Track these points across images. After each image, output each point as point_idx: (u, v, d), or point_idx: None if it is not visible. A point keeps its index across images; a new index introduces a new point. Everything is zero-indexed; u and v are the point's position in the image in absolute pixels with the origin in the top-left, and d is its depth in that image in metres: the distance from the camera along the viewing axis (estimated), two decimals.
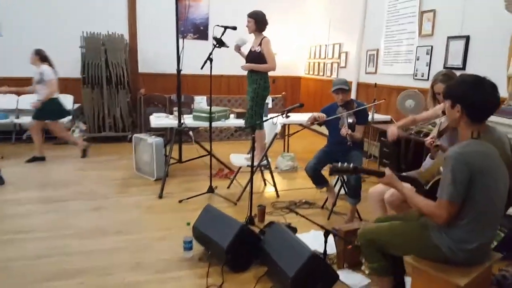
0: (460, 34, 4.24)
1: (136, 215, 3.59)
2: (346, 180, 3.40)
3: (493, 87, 1.71)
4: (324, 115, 3.49)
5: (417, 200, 1.84)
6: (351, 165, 1.97)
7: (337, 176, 3.80)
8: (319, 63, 7.73)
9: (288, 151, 5.52)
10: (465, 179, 1.64)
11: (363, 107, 3.42)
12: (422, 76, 4.87)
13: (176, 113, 4.50)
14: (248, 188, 3.60)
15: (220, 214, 2.91)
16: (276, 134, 4.08)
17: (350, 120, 3.34)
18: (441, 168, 1.87)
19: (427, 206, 1.78)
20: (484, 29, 3.95)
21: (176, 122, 4.32)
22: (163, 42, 6.77)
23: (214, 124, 4.43)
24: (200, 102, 6.98)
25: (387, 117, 5.49)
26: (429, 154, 2.51)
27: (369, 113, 4.01)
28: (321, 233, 2.61)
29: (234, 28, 3.82)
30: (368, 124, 3.64)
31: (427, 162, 2.82)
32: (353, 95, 6.35)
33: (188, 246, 2.85)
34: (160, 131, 5.42)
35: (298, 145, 6.32)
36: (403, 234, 1.95)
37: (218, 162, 4.84)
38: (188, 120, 4.73)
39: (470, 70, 4.13)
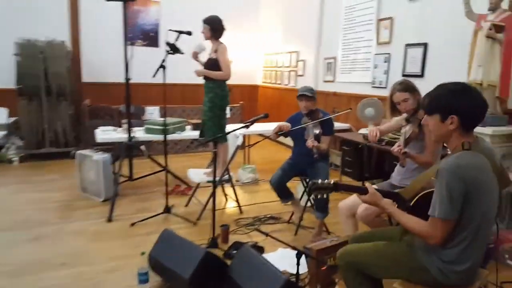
0: (418, 41, 4.25)
1: (82, 243, 3.15)
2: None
3: (478, 91, 1.61)
4: (289, 125, 3.29)
5: (407, 219, 1.68)
6: (332, 181, 1.79)
7: (303, 190, 3.62)
8: (276, 72, 7.61)
9: (248, 163, 5.28)
10: (461, 195, 1.50)
11: (327, 117, 3.25)
12: (380, 84, 4.85)
13: (125, 126, 4.10)
14: (209, 206, 3.31)
15: (180, 240, 2.59)
16: (238, 147, 3.82)
17: (316, 131, 3.16)
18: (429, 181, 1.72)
19: (418, 226, 1.62)
20: (442, 36, 3.97)
21: (126, 135, 3.93)
22: (109, 49, 6.33)
23: (169, 137, 4.10)
24: (152, 113, 6.58)
25: (346, 126, 5.43)
26: (399, 162, 2.39)
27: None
28: (289, 251, 2.41)
29: (189, 33, 3.54)
30: (333, 134, 3.50)
31: (397, 172, 2.69)
32: None
33: (143, 278, 2.50)
34: (107, 146, 4.96)
35: (259, 156, 6.10)
36: (389, 255, 1.78)
37: (174, 178, 4.49)
38: (140, 133, 4.34)
39: (429, 77, 4.14)
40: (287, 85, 7.18)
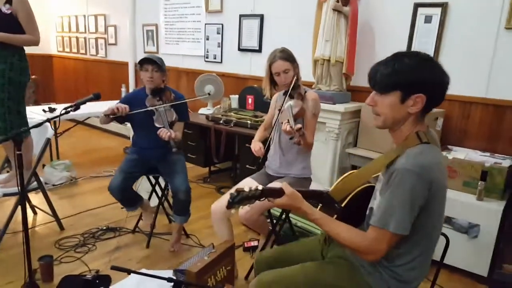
0: (254, 12, 3.97)
1: None
2: (172, 194, 2.54)
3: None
4: (127, 106, 2.47)
5: (339, 229, 1.26)
6: (258, 187, 1.25)
7: (150, 189, 2.90)
8: (77, 38, 6.17)
9: (58, 158, 4.05)
10: (423, 203, 1.17)
11: (184, 100, 2.59)
12: (215, 58, 4.42)
13: None
14: (12, 227, 2.20)
15: None
16: (48, 140, 2.71)
17: (172, 117, 2.47)
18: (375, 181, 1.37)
19: (356, 239, 1.23)
20: (280, 7, 3.77)
21: None
22: None
23: None
24: None
25: None
26: (294, 141, 1.97)
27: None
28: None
29: None
30: (189, 120, 2.85)
31: (273, 160, 2.32)
32: (131, 79, 5.35)
33: None
34: None
35: (70, 147, 4.85)
36: (326, 282, 1.36)
37: None
38: None
39: (267, 52, 3.92)
40: (95, 55, 5.93)
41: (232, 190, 1.26)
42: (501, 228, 2.23)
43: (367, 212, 1.38)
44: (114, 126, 5.86)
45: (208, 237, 2.85)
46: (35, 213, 3.04)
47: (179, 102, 2.55)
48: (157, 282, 2.22)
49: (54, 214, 2.85)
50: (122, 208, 3.14)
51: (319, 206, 1.45)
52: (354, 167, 3.23)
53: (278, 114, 2.19)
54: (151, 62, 2.45)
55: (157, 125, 2.43)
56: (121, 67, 5.47)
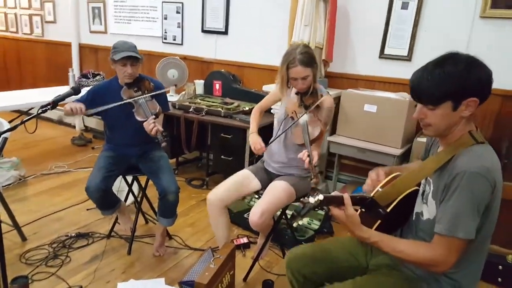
0: None
1: None
2: (160, 195, 2.30)
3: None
4: (82, 106, 2.15)
5: (402, 247, 1.19)
6: (319, 197, 1.13)
7: (127, 190, 2.64)
8: (6, 14, 5.38)
9: (1, 155, 3.53)
10: (487, 205, 1.13)
11: (163, 90, 2.35)
12: (174, 39, 4.10)
13: None
14: None
15: None
16: (6, 139, 2.31)
17: (155, 108, 2.22)
18: (427, 182, 1.29)
19: (424, 252, 1.16)
20: None
21: None
22: None
23: None
24: None
25: None
26: (312, 180, 1.79)
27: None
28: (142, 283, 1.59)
29: None
30: (169, 111, 2.58)
31: (274, 156, 2.16)
32: (75, 62, 4.81)
33: None
34: None
35: (13, 142, 4.26)
36: None
37: None
38: None
39: (234, 35, 3.74)
40: (29, 34, 5.21)
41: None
42: None
43: (413, 217, 1.33)
44: (53, 113, 5.30)
45: (192, 237, 2.69)
46: None
47: (160, 92, 2.30)
48: None
49: (14, 222, 2.48)
50: (88, 209, 2.92)
51: (359, 211, 1.36)
52: (332, 154, 3.24)
53: (285, 117, 2.07)
54: (131, 58, 2.17)
55: (138, 118, 2.18)
56: (62, 48, 4.89)
